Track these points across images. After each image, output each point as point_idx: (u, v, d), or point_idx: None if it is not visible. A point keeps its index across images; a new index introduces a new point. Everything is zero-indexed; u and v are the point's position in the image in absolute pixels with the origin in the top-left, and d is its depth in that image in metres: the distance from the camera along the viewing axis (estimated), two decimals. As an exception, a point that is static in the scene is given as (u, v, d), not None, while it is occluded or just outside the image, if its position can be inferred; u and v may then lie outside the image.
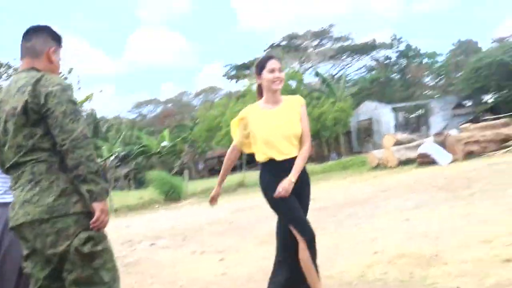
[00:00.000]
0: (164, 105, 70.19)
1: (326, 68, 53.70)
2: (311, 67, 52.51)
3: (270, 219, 10.22)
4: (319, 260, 4.25)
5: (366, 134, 42.82)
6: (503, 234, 5.77)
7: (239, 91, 48.36)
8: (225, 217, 12.21)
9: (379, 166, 18.59)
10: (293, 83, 37.94)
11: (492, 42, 52.92)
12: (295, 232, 4.16)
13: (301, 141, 4.31)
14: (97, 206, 3.12)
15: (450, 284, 4.49)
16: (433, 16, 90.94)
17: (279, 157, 4.20)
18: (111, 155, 42.52)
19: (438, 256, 5.37)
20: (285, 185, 4.09)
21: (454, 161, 16.77)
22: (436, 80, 56.69)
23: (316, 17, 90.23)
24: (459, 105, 46.27)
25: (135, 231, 11.92)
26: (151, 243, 9.61)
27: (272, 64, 4.29)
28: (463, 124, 23.76)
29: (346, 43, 57.37)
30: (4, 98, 3.28)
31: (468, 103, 46.19)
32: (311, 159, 25.84)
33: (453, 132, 19.97)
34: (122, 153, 46.11)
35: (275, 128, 4.23)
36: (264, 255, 6.82)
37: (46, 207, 3.05)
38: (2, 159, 3.30)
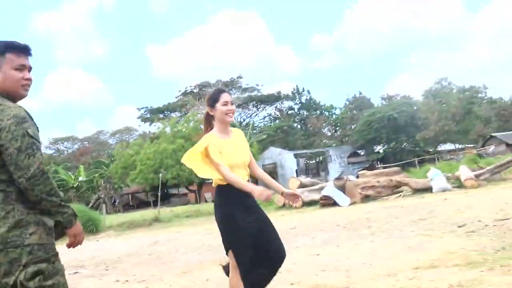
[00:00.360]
0: (81, 142, 68.74)
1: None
2: (220, 114, 52.92)
3: (187, 252, 10.13)
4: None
5: (271, 177, 43.25)
6: (404, 268, 5.95)
7: (154, 132, 48.32)
8: (143, 249, 11.92)
9: (285, 206, 18.73)
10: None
11: (381, 100, 55.37)
12: (233, 259, 4.14)
13: (250, 165, 4.51)
14: (70, 232, 3.03)
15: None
16: (330, 72, 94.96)
17: None
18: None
19: (350, 287, 5.47)
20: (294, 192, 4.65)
21: (352, 203, 17.25)
22: (333, 131, 58.39)
23: (225, 68, 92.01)
24: (354, 154, 47.88)
25: (56, 261, 11.41)
26: (74, 271, 9.22)
27: (225, 97, 4.37)
28: (359, 171, 24.56)
29: (253, 93, 58.43)
30: None
31: (362, 152, 47.90)
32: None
33: (352, 178, 20.65)
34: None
35: (237, 155, 4.32)
36: (187, 284, 6.74)
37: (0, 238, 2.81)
38: None
